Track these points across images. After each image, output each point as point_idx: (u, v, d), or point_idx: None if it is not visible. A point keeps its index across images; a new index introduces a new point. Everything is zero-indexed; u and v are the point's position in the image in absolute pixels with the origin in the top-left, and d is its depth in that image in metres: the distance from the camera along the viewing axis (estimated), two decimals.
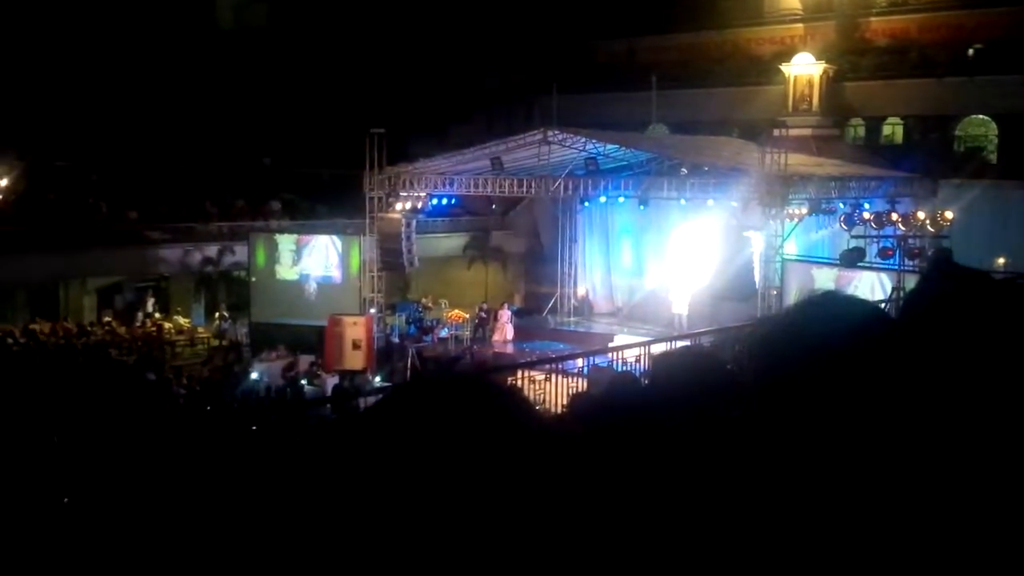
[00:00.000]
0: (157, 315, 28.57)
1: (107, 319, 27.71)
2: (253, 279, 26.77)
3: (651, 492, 1.73)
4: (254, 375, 21.74)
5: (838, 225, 23.66)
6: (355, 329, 23.80)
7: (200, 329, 28.37)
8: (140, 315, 28.40)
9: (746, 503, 1.40)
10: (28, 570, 4.87)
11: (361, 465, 0.87)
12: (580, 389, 10.64)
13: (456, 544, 0.82)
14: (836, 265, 22.91)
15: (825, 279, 22.70)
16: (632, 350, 13.39)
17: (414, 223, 25.87)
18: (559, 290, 31.42)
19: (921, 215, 23.29)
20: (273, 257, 26.57)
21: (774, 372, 1.35)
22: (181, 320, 28.52)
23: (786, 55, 34.81)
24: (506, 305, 29.29)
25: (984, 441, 1.36)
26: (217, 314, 28.76)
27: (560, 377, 12.72)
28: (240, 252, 27.93)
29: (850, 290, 18.58)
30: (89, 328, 25.92)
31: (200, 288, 31.03)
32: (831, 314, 1.38)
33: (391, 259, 25.29)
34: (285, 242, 26.77)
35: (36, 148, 28.09)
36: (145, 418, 16.56)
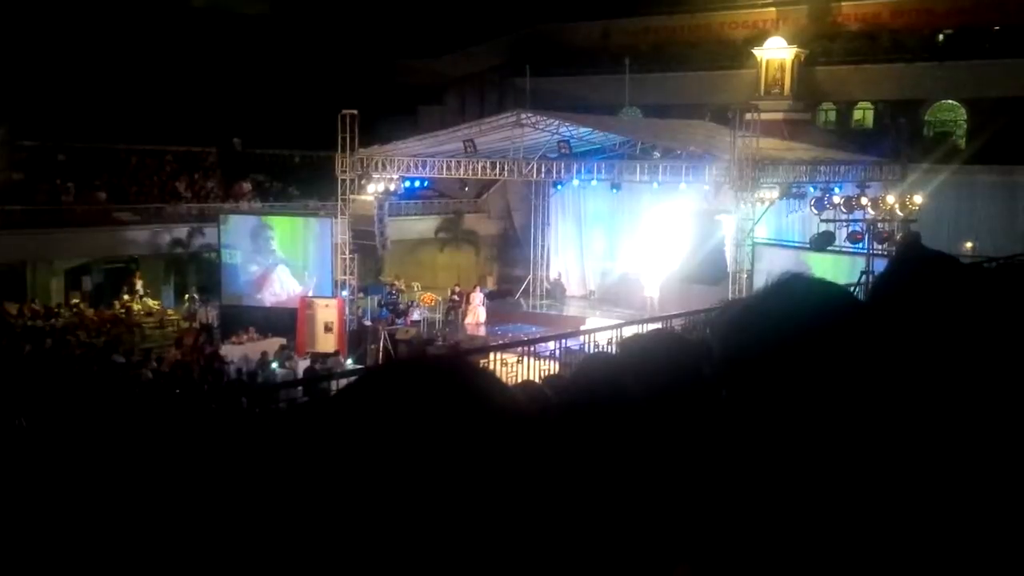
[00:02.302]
0: (133, 295, 28.14)
1: (75, 301, 27.39)
2: (223, 261, 26.55)
3: (631, 474, 1.73)
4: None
5: (808, 209, 23.81)
6: (327, 312, 23.72)
7: (170, 311, 28.10)
8: (126, 297, 27.91)
9: (720, 484, 1.41)
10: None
11: (332, 448, 0.86)
12: (552, 372, 10.67)
13: (430, 529, 0.81)
14: (806, 249, 23.07)
15: (794, 263, 22.85)
16: (604, 333, 13.45)
17: (387, 205, 25.76)
18: (532, 273, 31.46)
19: (890, 199, 23.50)
20: (237, 242, 26.25)
21: (740, 355, 1.35)
22: (150, 302, 28.22)
23: (758, 39, 34.92)
24: (478, 288, 29.27)
25: (953, 422, 1.37)
26: (187, 296, 28.51)
27: (532, 360, 12.74)
28: (210, 234, 27.67)
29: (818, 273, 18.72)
30: (57, 310, 25.63)
31: (170, 270, 30.76)
32: (796, 296, 1.38)
33: (364, 241, 25.19)
34: (255, 226, 26.47)
35: (3, 127, 27.68)
36: (113, 401, 16.43)
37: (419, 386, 0.89)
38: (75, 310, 26.14)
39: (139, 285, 28.36)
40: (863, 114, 34.99)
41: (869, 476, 1.27)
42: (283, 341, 22.63)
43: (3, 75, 29.07)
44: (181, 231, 28.78)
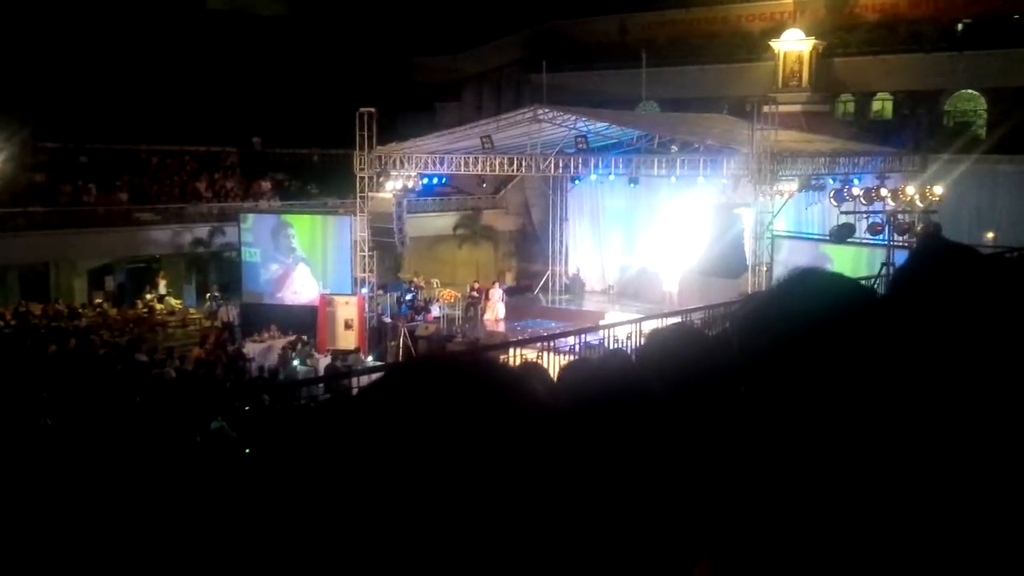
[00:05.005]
0: (158, 294, 28.34)
1: (98, 301, 27.60)
2: (243, 259, 26.65)
3: (653, 470, 1.75)
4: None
5: (828, 201, 23.66)
6: (347, 309, 23.79)
7: (192, 310, 28.27)
8: (148, 296, 28.14)
9: (739, 477, 1.42)
10: (21, 551, 4.89)
11: (358, 447, 0.86)
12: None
13: (453, 528, 0.81)
14: (826, 241, 22.94)
15: (814, 255, 22.74)
16: (623, 327, 13.43)
17: (405, 202, 25.78)
18: (550, 268, 31.42)
19: (910, 190, 23.29)
20: (258, 241, 26.34)
21: (757, 350, 1.37)
22: (173, 301, 28.41)
23: (776, 31, 34.71)
24: (497, 284, 29.27)
25: (973, 412, 1.38)
26: (208, 295, 28.66)
27: (552, 355, 12.71)
28: (231, 233, 27.80)
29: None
30: (80, 310, 25.83)
31: (191, 269, 30.93)
32: (810, 291, 1.39)
33: (383, 239, 25.23)
34: (275, 225, 26.55)
35: (25, 129, 27.92)
36: (137, 400, 16.55)
37: (441, 384, 0.89)
38: (98, 310, 26.35)
39: (162, 285, 28.56)
40: (882, 105, 34.72)
41: (887, 470, 1.27)
42: (303, 337, 22.68)
43: (25, 78, 29.33)
44: (202, 231, 28.95)
